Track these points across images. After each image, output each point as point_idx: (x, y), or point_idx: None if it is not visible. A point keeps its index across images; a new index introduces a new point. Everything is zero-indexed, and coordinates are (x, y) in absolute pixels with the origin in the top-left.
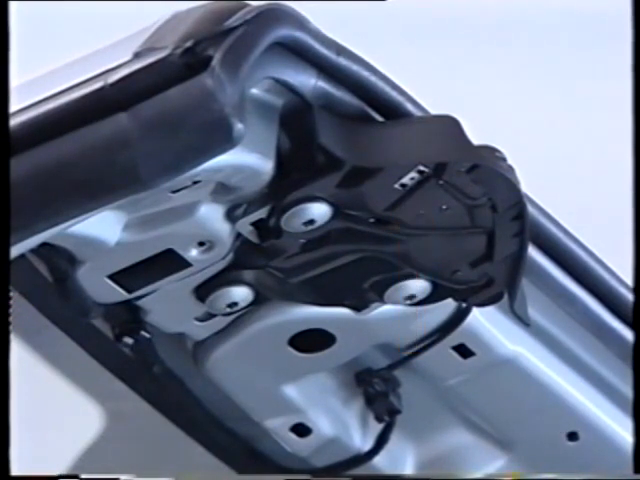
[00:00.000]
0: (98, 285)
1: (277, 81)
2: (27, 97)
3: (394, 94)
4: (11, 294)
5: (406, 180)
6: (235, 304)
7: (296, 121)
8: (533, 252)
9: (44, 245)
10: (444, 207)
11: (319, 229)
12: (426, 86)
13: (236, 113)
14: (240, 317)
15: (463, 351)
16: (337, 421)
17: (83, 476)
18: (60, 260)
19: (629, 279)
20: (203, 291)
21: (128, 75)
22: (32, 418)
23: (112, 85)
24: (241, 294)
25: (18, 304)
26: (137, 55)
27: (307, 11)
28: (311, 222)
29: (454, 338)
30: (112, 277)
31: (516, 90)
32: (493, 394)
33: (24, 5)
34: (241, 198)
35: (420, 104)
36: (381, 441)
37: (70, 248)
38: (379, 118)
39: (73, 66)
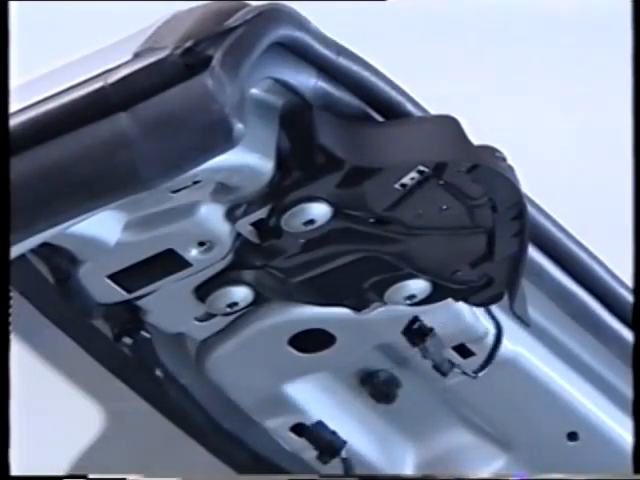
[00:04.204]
0: (98, 285)
1: (277, 81)
2: (27, 97)
3: (394, 94)
4: (11, 294)
5: (406, 180)
6: (235, 304)
7: (296, 121)
8: (533, 252)
9: (44, 245)
10: (444, 207)
11: (319, 229)
12: (426, 86)
13: (236, 113)
14: (240, 317)
15: (463, 351)
16: (337, 421)
17: (90, 476)
18: (61, 260)
19: (629, 279)
20: (203, 291)
21: (128, 75)
22: (32, 418)
23: (112, 85)
24: (241, 294)
25: (18, 304)
26: (137, 55)
27: (307, 11)
28: (311, 222)
29: (454, 338)
30: (112, 277)
31: (516, 90)
32: (493, 394)
33: (24, 5)
34: (241, 198)
35: (420, 104)
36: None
37: (70, 248)
38: (379, 118)
39: (73, 66)
